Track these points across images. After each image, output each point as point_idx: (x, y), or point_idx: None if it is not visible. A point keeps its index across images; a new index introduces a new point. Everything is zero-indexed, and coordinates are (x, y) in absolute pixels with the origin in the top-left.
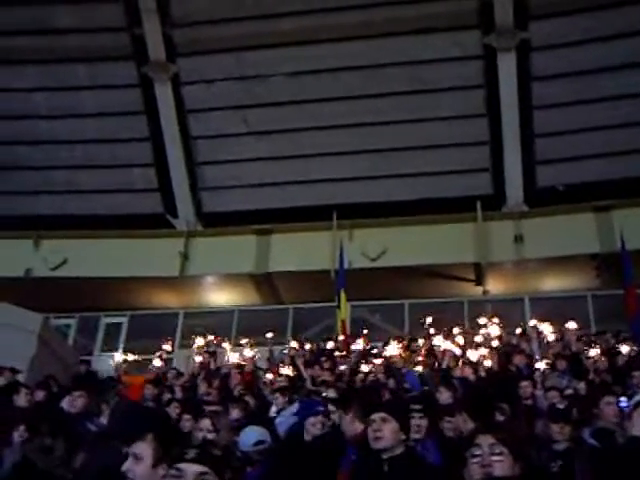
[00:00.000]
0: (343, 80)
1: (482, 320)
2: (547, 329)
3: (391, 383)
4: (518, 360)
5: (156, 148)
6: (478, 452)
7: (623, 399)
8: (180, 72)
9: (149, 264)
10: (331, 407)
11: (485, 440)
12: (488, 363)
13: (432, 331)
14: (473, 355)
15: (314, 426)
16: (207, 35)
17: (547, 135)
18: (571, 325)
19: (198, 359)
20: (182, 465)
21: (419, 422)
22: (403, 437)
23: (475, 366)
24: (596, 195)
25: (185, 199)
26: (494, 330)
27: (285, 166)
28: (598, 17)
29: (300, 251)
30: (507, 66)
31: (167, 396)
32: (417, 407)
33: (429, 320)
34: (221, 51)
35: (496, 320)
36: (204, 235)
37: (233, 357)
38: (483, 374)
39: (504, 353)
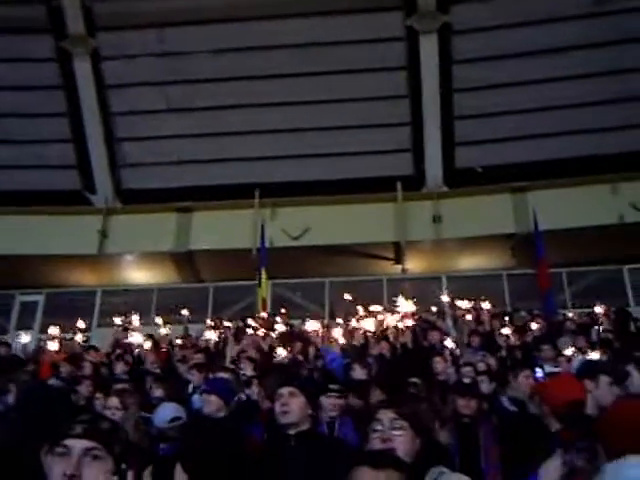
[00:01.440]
0: (266, 58)
1: (399, 298)
2: (463, 305)
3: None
4: (433, 336)
5: (74, 124)
6: (379, 427)
7: (539, 370)
8: (100, 47)
9: (67, 241)
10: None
11: (386, 415)
12: (404, 339)
13: (351, 308)
14: (390, 332)
15: (209, 405)
16: (128, 9)
17: (466, 117)
18: (485, 304)
19: (115, 337)
20: (68, 441)
21: (335, 401)
22: (310, 412)
23: (391, 343)
24: (513, 177)
25: (104, 176)
26: (410, 307)
27: (207, 144)
28: (518, 3)
29: (221, 229)
30: (429, 48)
31: (81, 374)
32: (335, 387)
33: (348, 297)
34: (142, 26)
35: (413, 297)
36: (123, 212)
37: (149, 335)
38: (399, 350)
39: (420, 330)
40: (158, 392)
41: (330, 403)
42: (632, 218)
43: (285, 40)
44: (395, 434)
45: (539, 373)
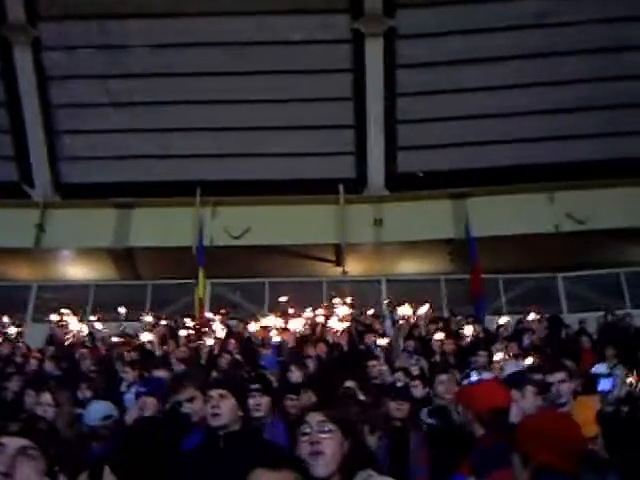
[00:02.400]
0: (210, 55)
1: (338, 300)
2: (403, 310)
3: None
4: (369, 339)
5: (13, 114)
6: (307, 430)
7: (474, 374)
8: (41, 36)
9: (3, 234)
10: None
11: (314, 418)
12: (340, 341)
13: (289, 310)
14: (327, 334)
15: (145, 407)
16: (69, 0)
17: (409, 122)
18: (422, 308)
19: (50, 333)
20: (3, 439)
21: (258, 400)
22: (241, 414)
23: (329, 344)
24: (453, 183)
25: (42, 169)
26: (348, 310)
27: (149, 139)
28: (463, 11)
29: (161, 227)
30: (374, 52)
31: (9, 370)
32: (255, 386)
33: (284, 299)
34: (85, 17)
35: (350, 300)
36: (62, 207)
37: (84, 332)
38: (335, 353)
39: (357, 332)
40: (87, 393)
41: (253, 403)
42: (567, 227)
43: (230, 38)
44: (322, 437)
45: (474, 377)
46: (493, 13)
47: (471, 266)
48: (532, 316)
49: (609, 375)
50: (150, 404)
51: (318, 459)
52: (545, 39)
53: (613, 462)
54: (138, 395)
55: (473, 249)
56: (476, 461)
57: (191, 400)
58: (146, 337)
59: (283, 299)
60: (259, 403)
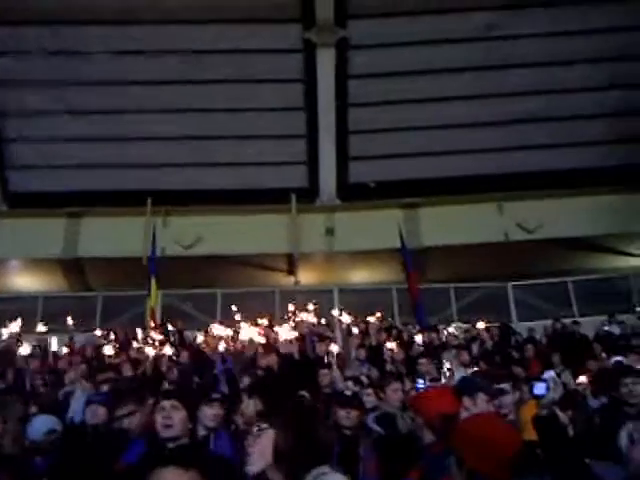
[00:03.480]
0: (164, 63)
1: (290, 309)
2: (347, 319)
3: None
4: (321, 348)
5: None
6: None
7: (420, 381)
8: None
9: None
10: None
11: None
12: (291, 351)
13: (239, 319)
14: (278, 344)
15: (95, 416)
16: (21, 4)
17: (361, 132)
18: (372, 318)
19: None
20: None
21: (217, 411)
22: (190, 426)
23: (280, 354)
24: (404, 193)
25: None
26: (305, 317)
27: (100, 148)
28: (413, 22)
29: (112, 236)
30: (326, 62)
31: None
32: (216, 396)
33: (235, 309)
34: (37, 23)
35: (307, 309)
36: (9, 216)
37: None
38: (287, 362)
39: (309, 341)
40: (33, 408)
41: (212, 413)
42: (517, 236)
43: (182, 46)
44: (254, 437)
45: (420, 384)
46: (444, 25)
47: (406, 275)
48: (481, 325)
49: (543, 380)
50: (100, 413)
51: (249, 458)
52: (495, 51)
53: (549, 465)
54: (90, 402)
55: (408, 258)
56: (425, 468)
57: (130, 415)
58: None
59: (234, 309)
60: (217, 414)
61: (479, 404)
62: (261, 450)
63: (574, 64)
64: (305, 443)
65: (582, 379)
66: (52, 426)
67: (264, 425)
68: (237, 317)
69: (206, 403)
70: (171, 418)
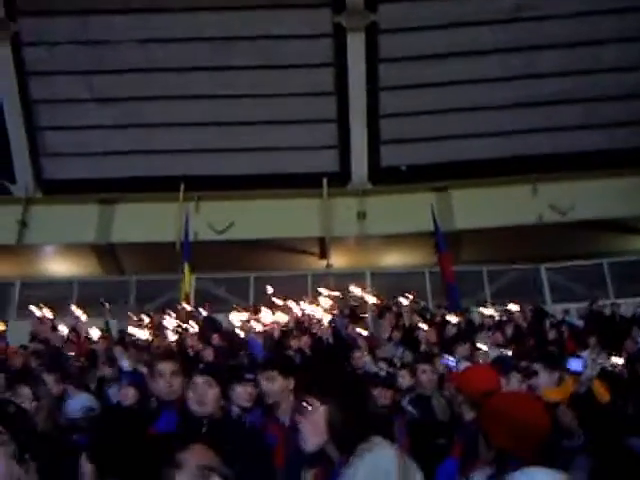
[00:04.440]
0: (193, 51)
1: (322, 292)
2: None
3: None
4: (352, 331)
5: None
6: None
7: (450, 359)
8: (21, 32)
9: None
10: None
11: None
12: (324, 334)
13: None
14: (311, 325)
15: (124, 396)
16: None
17: (392, 116)
18: (405, 300)
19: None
20: None
21: (251, 390)
22: (222, 403)
23: (312, 336)
24: (436, 176)
25: (24, 165)
26: (330, 302)
27: (131, 135)
28: (443, 5)
29: (145, 222)
30: (356, 46)
31: None
32: (250, 376)
33: (270, 290)
34: (67, 13)
35: (335, 293)
36: (44, 202)
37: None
38: (320, 344)
39: (341, 324)
40: (70, 386)
41: (247, 392)
42: (550, 218)
43: (212, 33)
44: (301, 415)
45: (451, 362)
46: (472, 7)
47: (439, 257)
48: (514, 307)
49: (579, 356)
50: (130, 395)
51: (302, 437)
52: (524, 33)
53: (585, 444)
54: (121, 384)
55: (441, 240)
56: (467, 443)
57: (173, 374)
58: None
59: (270, 290)
60: (252, 393)
61: (512, 383)
62: (314, 427)
63: (603, 44)
64: (356, 416)
65: (617, 360)
66: (89, 404)
67: (314, 401)
68: (274, 300)
69: (240, 382)
70: (205, 395)
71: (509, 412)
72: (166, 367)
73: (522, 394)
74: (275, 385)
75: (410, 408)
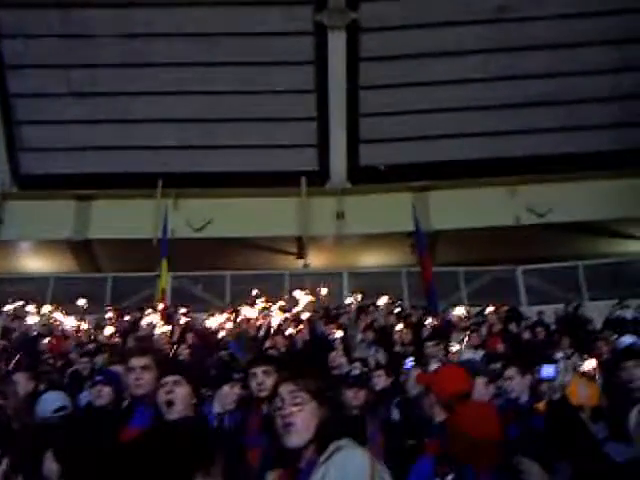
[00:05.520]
0: (174, 46)
1: (299, 292)
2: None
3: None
4: (329, 331)
5: None
6: (279, 404)
7: (408, 362)
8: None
9: None
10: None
11: (285, 389)
12: (301, 334)
13: (251, 302)
14: (286, 326)
15: (100, 396)
16: None
17: (371, 115)
18: (381, 300)
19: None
20: None
21: (238, 391)
22: (194, 402)
23: (288, 337)
24: (414, 176)
25: (0, 159)
26: (308, 301)
27: (109, 130)
28: (425, 4)
29: (122, 218)
30: (337, 44)
31: None
32: (237, 376)
33: (255, 292)
34: (46, 6)
35: (310, 293)
36: (20, 198)
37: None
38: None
39: (317, 324)
40: (42, 385)
41: (234, 392)
42: (527, 220)
43: (193, 29)
44: (293, 408)
45: (408, 365)
46: (455, 7)
47: (419, 258)
48: (490, 308)
49: (553, 362)
50: (105, 393)
51: (289, 430)
52: (506, 34)
53: (562, 452)
54: (94, 384)
55: (421, 241)
56: (441, 442)
57: (145, 369)
58: (108, 332)
59: (255, 292)
60: (238, 394)
61: (477, 387)
62: (306, 421)
63: (585, 46)
64: (335, 416)
65: (590, 363)
66: (61, 403)
67: (303, 396)
68: (256, 300)
69: (228, 383)
70: (173, 392)
71: (466, 430)
72: (137, 362)
73: (477, 407)
74: (271, 379)
75: (395, 411)
